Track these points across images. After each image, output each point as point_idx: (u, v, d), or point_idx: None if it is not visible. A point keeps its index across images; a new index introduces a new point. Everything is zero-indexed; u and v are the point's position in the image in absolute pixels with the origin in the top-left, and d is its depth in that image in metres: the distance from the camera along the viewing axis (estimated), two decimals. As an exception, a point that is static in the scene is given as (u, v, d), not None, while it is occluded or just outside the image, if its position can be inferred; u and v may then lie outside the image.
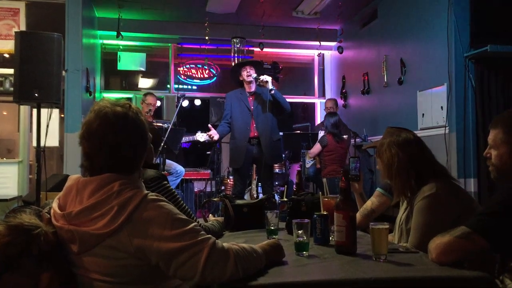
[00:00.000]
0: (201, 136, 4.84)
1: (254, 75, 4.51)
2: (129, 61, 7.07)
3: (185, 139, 5.15)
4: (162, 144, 4.18)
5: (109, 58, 7.11)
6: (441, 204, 1.77)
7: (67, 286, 1.27)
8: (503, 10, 4.22)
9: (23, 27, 5.33)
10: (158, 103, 5.83)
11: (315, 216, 1.76)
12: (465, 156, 4.26)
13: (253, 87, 4.59)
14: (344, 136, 5.43)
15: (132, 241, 1.22)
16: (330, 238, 1.76)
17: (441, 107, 4.50)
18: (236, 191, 4.60)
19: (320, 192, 1.99)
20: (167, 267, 1.23)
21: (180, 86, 7.38)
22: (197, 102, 7.59)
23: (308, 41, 7.40)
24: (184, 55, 7.49)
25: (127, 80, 7.59)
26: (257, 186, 5.36)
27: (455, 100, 4.34)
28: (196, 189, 6.41)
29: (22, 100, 3.46)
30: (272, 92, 4.42)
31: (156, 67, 7.67)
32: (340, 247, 1.60)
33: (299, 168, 5.93)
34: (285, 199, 2.27)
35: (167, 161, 4.98)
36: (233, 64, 6.24)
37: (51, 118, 3.60)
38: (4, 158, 5.96)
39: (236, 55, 6.69)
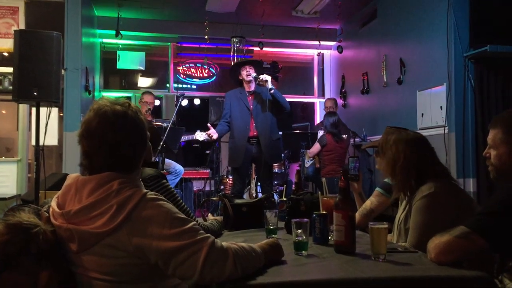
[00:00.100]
0: (200, 135, 4.84)
1: (254, 74, 4.51)
2: (128, 60, 7.06)
3: (184, 138, 5.14)
4: (162, 143, 4.18)
5: (109, 57, 7.10)
6: (439, 204, 1.77)
7: (66, 285, 1.26)
8: (503, 10, 4.22)
9: (22, 26, 5.32)
10: (157, 102, 5.81)
11: (314, 215, 1.76)
12: (464, 156, 4.26)
13: (252, 87, 4.59)
14: (344, 136, 5.43)
15: (131, 240, 1.22)
16: (329, 237, 1.75)
17: (441, 107, 4.50)
18: (235, 191, 4.60)
19: (319, 192, 1.99)
20: (166, 266, 1.23)
21: (180, 85, 7.38)
22: (197, 101, 7.58)
23: (307, 41, 7.39)
24: (183, 54, 7.49)
25: (126, 79, 7.58)
26: (256, 185, 5.37)
27: (455, 100, 4.34)
28: (195, 188, 6.40)
29: (21, 99, 3.46)
30: (272, 91, 4.42)
31: (155, 66, 7.65)
32: (339, 247, 1.60)
33: (298, 168, 5.92)
34: (284, 199, 2.27)
35: (166, 160, 4.98)
36: (232, 63, 6.24)
37: (50, 117, 3.59)
38: (3, 157, 5.96)
39: (235, 54, 6.69)
